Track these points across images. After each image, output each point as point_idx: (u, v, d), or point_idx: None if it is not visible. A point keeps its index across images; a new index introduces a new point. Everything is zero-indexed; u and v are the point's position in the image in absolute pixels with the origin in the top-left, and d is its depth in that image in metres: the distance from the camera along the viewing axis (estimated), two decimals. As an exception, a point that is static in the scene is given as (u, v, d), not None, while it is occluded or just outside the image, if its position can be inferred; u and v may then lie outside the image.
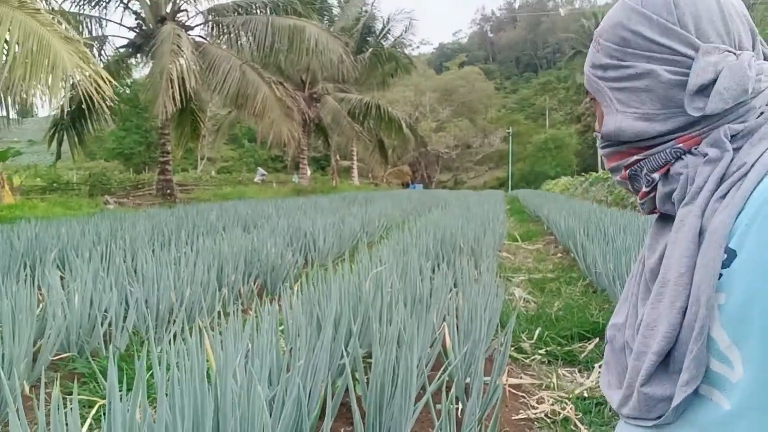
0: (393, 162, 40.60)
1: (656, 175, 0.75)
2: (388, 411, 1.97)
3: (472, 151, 56.10)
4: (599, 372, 3.25)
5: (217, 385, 1.59)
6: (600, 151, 0.85)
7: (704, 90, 0.69)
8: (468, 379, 2.69)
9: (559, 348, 3.62)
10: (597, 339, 3.73)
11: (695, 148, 0.72)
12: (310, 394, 1.97)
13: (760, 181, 0.66)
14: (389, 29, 28.17)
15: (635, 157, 0.77)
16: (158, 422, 1.45)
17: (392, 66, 27.38)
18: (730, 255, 0.63)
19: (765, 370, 0.61)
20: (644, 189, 0.77)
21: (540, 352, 3.57)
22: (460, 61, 73.71)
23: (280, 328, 2.80)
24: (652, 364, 0.69)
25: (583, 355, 3.52)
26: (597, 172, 32.19)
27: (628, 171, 0.79)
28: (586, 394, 2.95)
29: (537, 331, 3.83)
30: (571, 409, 2.74)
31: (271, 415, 1.63)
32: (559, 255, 7.95)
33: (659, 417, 0.71)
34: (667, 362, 0.70)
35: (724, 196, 0.68)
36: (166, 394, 1.52)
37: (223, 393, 1.51)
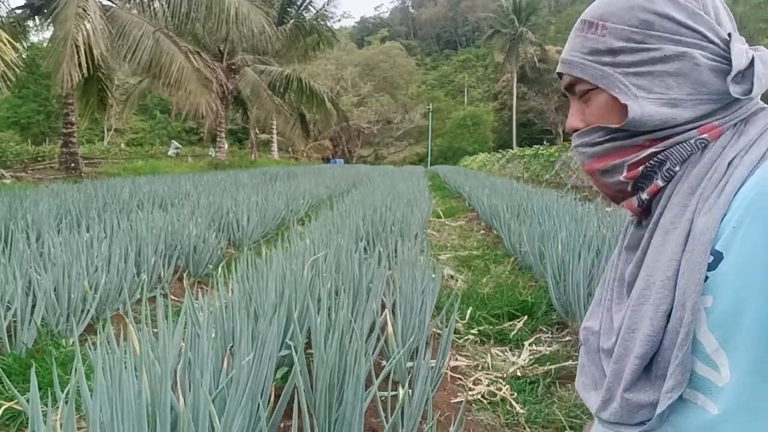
0: (314, 136, 40.03)
1: (678, 168, 0.71)
2: (339, 408, 1.90)
3: (392, 127, 56.38)
4: (530, 350, 3.34)
5: (153, 399, 1.45)
6: (586, 151, 0.77)
7: (741, 75, 0.69)
8: (411, 363, 2.66)
9: (491, 327, 3.68)
10: (525, 317, 3.82)
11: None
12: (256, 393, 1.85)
13: (745, 181, 0.64)
14: (311, 0, 27.42)
15: (651, 150, 0.71)
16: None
17: (314, 39, 26.74)
18: (717, 257, 0.62)
19: (754, 374, 0.60)
20: (659, 184, 0.71)
21: (473, 331, 3.62)
22: (381, 36, 73.46)
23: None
24: (635, 368, 0.67)
25: (513, 334, 3.59)
26: (513, 149, 33.28)
27: (642, 167, 0.72)
28: (519, 374, 3.01)
29: (469, 311, 3.87)
30: (506, 389, 2.79)
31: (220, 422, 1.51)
32: (482, 232, 8.12)
33: (642, 423, 0.69)
34: (649, 367, 0.69)
35: (709, 197, 0.66)
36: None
37: (162, 406, 1.37)
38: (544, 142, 24.10)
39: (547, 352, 3.24)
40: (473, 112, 54.21)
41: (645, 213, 0.76)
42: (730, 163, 0.66)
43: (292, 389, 1.88)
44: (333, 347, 1.98)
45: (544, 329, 3.66)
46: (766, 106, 0.72)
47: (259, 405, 1.73)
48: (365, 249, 4.88)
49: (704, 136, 0.70)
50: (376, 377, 2.24)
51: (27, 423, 2.22)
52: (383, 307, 3.15)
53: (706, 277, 0.62)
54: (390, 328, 2.53)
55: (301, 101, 26.23)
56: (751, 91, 0.68)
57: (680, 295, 0.64)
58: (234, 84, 24.14)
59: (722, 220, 0.63)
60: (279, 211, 7.81)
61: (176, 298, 4.39)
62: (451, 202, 12.90)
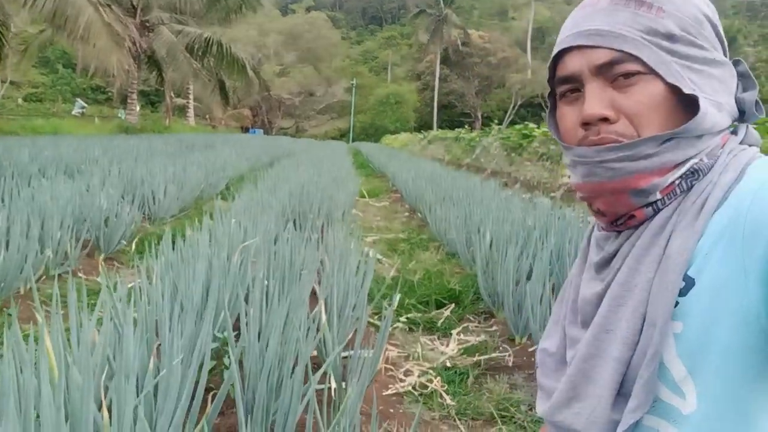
0: (233, 104, 38.59)
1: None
2: (274, 403, 1.80)
3: (315, 100, 55.44)
4: (458, 339, 3.37)
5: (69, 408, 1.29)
6: (627, 166, 0.64)
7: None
8: (345, 353, 2.60)
9: (420, 315, 3.68)
10: (453, 305, 3.86)
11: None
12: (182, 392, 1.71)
13: (720, 204, 0.62)
14: (235, -40, 26.13)
15: (694, 161, 0.65)
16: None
17: (236, 1, 25.59)
18: (689, 283, 0.60)
19: (721, 403, 0.59)
20: (677, 192, 0.65)
21: (402, 319, 3.61)
22: (306, 5, 71.61)
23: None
24: (613, 371, 0.64)
25: (441, 322, 3.61)
26: (433, 130, 33.75)
27: (680, 180, 0.65)
28: (449, 364, 3.03)
29: (398, 298, 3.85)
30: (437, 381, 2.79)
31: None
32: (407, 214, 8.16)
33: None
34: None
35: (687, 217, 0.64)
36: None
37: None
38: (465, 126, 24.61)
39: (476, 342, 3.28)
40: (396, 90, 54.30)
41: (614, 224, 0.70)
42: (709, 183, 0.64)
43: (225, 388, 1.76)
44: (269, 344, 1.88)
45: (471, 318, 3.71)
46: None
47: (189, 408, 1.60)
48: (293, 229, 4.74)
49: (724, 144, 0.67)
50: (312, 371, 2.16)
51: None
52: (314, 294, 3.06)
53: (677, 303, 0.60)
54: (325, 320, 2.44)
55: (221, 67, 25.08)
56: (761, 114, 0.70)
57: (651, 314, 0.61)
58: (148, 43, 22.67)
59: (697, 243, 0.61)
60: (198, 184, 7.45)
61: (86, 277, 4.07)
62: (375, 181, 12.88)
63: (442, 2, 51.35)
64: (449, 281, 4.22)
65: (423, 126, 45.75)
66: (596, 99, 0.64)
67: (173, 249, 2.74)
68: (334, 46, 61.11)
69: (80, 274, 4.08)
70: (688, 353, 0.60)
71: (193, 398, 1.55)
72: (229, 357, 1.94)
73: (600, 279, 0.71)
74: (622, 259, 0.67)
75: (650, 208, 0.66)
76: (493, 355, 3.08)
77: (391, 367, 2.92)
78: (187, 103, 33.24)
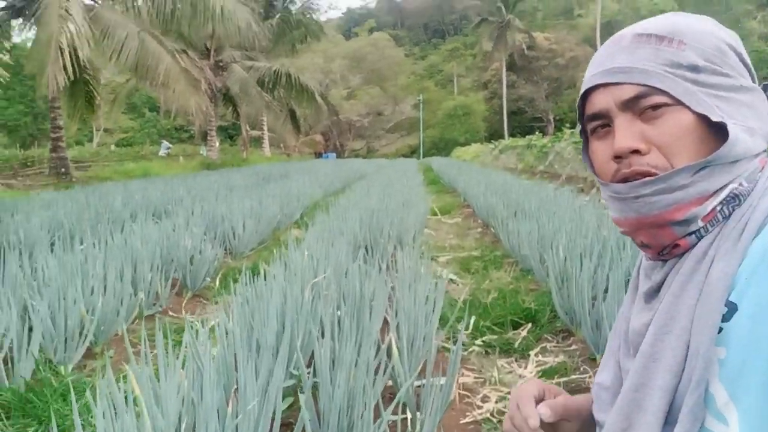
0: (305, 131, 39.83)
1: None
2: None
3: (383, 119, 56.24)
4: (536, 361, 3.30)
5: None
6: (662, 199, 0.65)
7: None
8: (418, 383, 2.62)
9: (495, 337, 3.64)
10: (530, 324, 3.78)
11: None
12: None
13: (762, 227, 0.62)
14: (296, -6, 27.21)
15: (733, 186, 0.65)
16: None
17: (301, 32, 26.62)
18: (731, 308, 0.60)
19: (762, 428, 0.57)
20: (719, 218, 0.66)
21: (477, 342, 3.58)
22: (369, 27, 73.08)
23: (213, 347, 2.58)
24: (660, 400, 0.64)
25: (518, 343, 3.55)
26: (504, 138, 33.28)
27: (721, 206, 0.65)
28: (527, 388, 2.97)
29: (472, 321, 3.83)
30: (515, 406, 2.75)
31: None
32: (479, 230, 8.09)
33: None
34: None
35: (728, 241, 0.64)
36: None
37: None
38: (536, 131, 24.11)
39: (554, 363, 3.20)
40: (463, 101, 54.12)
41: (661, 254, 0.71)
42: (750, 207, 0.64)
43: (299, 428, 1.83)
44: (340, 381, 1.93)
45: (549, 338, 3.62)
46: None
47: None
48: (364, 258, 4.83)
49: (763, 168, 0.67)
50: (384, 402, 2.20)
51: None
52: (387, 324, 3.10)
53: (721, 329, 0.60)
54: (395, 351, 2.48)
55: (290, 96, 26.10)
56: None
57: (695, 341, 0.62)
58: (222, 81, 23.95)
59: (738, 268, 0.61)
60: (274, 216, 7.74)
61: (175, 315, 4.33)
62: (446, 197, 12.85)
63: (504, 8, 50.82)
64: (524, 300, 4.15)
65: (493, 135, 45.26)
66: (626, 132, 0.66)
67: (250, 284, 2.87)
68: (398, 64, 61.86)
69: (171, 313, 4.34)
70: (730, 379, 0.60)
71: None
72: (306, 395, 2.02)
73: (649, 309, 0.72)
74: (668, 287, 0.68)
75: (693, 236, 0.66)
76: (573, 377, 3.00)
77: (468, 394, 2.91)
78: (262, 134, 34.66)
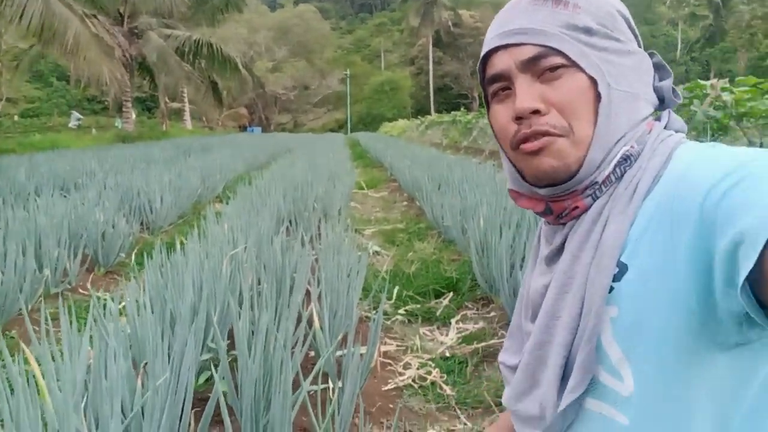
0: (228, 104, 38.55)
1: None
2: (267, 414, 1.82)
3: (310, 93, 55.37)
4: (457, 328, 3.38)
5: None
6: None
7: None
8: (340, 352, 2.61)
9: (418, 306, 3.69)
10: (451, 293, 3.86)
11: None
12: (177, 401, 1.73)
13: (650, 189, 0.64)
14: (217, -41, 25.96)
15: (625, 149, 0.67)
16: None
17: (222, 1, 25.46)
18: (622, 268, 0.62)
19: (656, 384, 0.60)
20: (612, 179, 0.67)
21: (400, 312, 3.62)
22: (294, -2, 71.20)
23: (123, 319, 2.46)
24: (558, 355, 0.66)
25: (439, 312, 3.62)
26: (431, 114, 33.59)
27: (616, 166, 0.67)
28: (448, 354, 3.04)
29: (396, 290, 3.87)
30: (436, 372, 2.81)
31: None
32: (405, 203, 8.16)
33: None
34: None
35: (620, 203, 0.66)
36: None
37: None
38: (462, 108, 24.49)
39: (474, 330, 3.29)
40: (391, 77, 54.12)
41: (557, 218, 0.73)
42: (640, 168, 0.66)
43: (216, 400, 1.78)
44: (257, 352, 1.89)
45: (470, 305, 3.72)
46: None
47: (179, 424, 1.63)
48: (287, 230, 4.75)
49: (650, 130, 0.70)
50: (305, 372, 2.18)
51: None
52: (309, 295, 3.07)
53: (613, 288, 0.62)
54: (317, 322, 2.46)
55: (212, 68, 25.02)
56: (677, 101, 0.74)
57: (588, 299, 0.64)
58: (138, 50, 22.61)
59: (630, 229, 0.63)
60: (194, 190, 7.46)
61: (85, 292, 4.10)
62: (373, 171, 12.86)
63: (430, -16, 50.87)
64: (446, 270, 4.23)
65: (420, 111, 45.60)
66: (526, 93, 0.67)
67: (166, 258, 2.75)
68: (325, 37, 60.86)
69: (80, 291, 4.11)
70: (623, 336, 0.62)
71: (181, 417, 1.57)
72: (220, 368, 1.96)
73: (549, 271, 0.73)
74: (567, 248, 0.70)
75: (590, 198, 0.68)
76: (492, 341, 3.09)
77: (390, 362, 2.94)
78: (183, 106, 33.24)
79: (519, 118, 0.67)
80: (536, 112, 0.66)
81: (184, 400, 1.56)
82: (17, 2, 13.01)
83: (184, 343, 1.77)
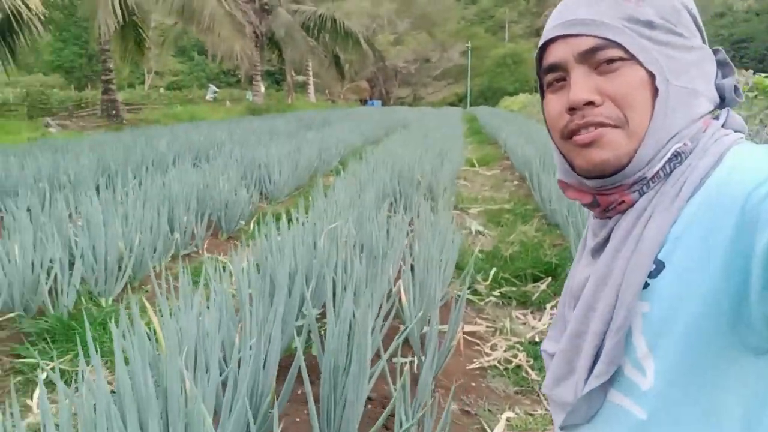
0: (350, 78, 39.50)
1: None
2: (344, 376, 1.98)
3: (430, 66, 55.05)
4: (551, 314, 3.36)
5: (165, 372, 1.54)
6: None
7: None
8: (425, 329, 2.73)
9: (513, 289, 3.70)
10: (549, 279, 3.82)
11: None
12: (266, 360, 1.95)
13: (697, 189, 0.64)
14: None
15: (677, 146, 0.67)
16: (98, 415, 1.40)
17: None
18: (659, 266, 0.63)
19: (677, 382, 0.61)
20: (660, 175, 0.67)
21: (495, 294, 3.65)
22: (419, -31, 70.52)
23: (233, 287, 2.74)
24: (590, 345, 0.69)
25: (535, 296, 3.61)
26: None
27: (666, 163, 0.67)
28: (537, 339, 3.05)
29: (492, 272, 3.89)
30: (523, 356, 2.84)
31: (224, 395, 1.60)
32: (516, 182, 8.02)
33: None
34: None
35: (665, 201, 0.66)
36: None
37: (170, 381, 1.46)
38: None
39: (567, 317, 3.25)
40: (514, 49, 52.30)
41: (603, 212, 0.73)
42: (689, 167, 0.66)
43: (298, 361, 1.97)
44: (341, 322, 2.05)
45: (567, 292, 3.66)
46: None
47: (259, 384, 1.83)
48: (391, 206, 4.91)
49: (705, 128, 0.68)
50: (390, 344, 2.32)
51: (70, 381, 2.40)
52: (400, 279, 3.20)
53: (648, 284, 0.63)
54: (404, 296, 2.58)
55: (335, 42, 25.76)
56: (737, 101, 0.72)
57: (621, 294, 0.65)
58: (267, 25, 23.82)
59: (671, 227, 0.63)
60: (311, 163, 7.86)
61: (210, 255, 4.54)
62: (487, 148, 12.70)
63: (561, -50, 48.05)
64: (547, 254, 4.17)
65: (544, 85, 43.65)
66: (581, 85, 0.67)
67: (275, 230, 3.01)
68: (448, 8, 59.88)
69: (205, 253, 4.57)
70: (651, 332, 0.63)
71: (268, 375, 1.77)
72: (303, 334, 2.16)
73: (593, 263, 0.74)
74: (611, 242, 0.70)
75: (637, 193, 0.68)
76: (583, 330, 3.05)
77: (478, 342, 3.01)
78: (307, 80, 34.58)
79: (572, 109, 0.67)
80: (590, 103, 0.66)
81: (264, 360, 1.75)
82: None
83: (276, 309, 1.96)
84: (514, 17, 64.78)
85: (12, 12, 8.15)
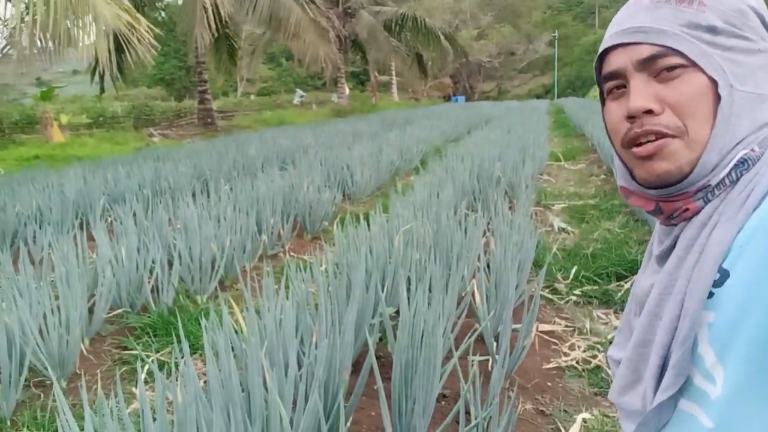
0: (433, 75, 39.43)
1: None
2: (416, 374, 2.05)
3: (515, 59, 53.87)
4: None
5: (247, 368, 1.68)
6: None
7: None
8: (500, 328, 2.74)
9: (595, 288, 3.61)
10: (634, 277, 3.69)
11: None
12: (340, 356, 2.06)
13: (764, 198, 0.63)
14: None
15: (744, 152, 0.65)
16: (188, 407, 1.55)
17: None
18: (723, 275, 0.62)
19: (745, 392, 0.61)
20: (726, 182, 0.66)
21: (575, 293, 3.58)
22: (502, -40, 69.13)
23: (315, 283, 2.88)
24: (656, 355, 0.69)
25: (619, 296, 3.50)
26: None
27: (732, 170, 0.66)
28: (619, 339, 2.96)
29: (573, 270, 3.81)
30: (602, 356, 2.77)
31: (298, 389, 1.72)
32: (602, 177, 7.74)
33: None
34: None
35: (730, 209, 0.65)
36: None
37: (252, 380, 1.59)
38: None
39: (652, 317, 3.14)
40: (604, 36, 49.99)
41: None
42: (756, 175, 0.65)
43: (370, 359, 2.05)
44: (417, 318, 2.12)
45: (653, 291, 3.52)
46: None
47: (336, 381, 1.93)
48: (470, 205, 4.92)
49: None
50: (464, 341, 2.36)
51: (169, 372, 2.64)
52: (474, 278, 3.22)
53: (713, 293, 0.62)
54: (477, 297, 2.61)
55: (416, 40, 25.86)
56: None
57: (686, 304, 0.65)
58: (350, 28, 24.32)
59: (736, 236, 0.62)
60: (392, 163, 7.98)
61: (295, 255, 4.76)
62: (573, 141, 12.30)
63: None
64: (631, 251, 4.02)
65: (637, 72, 41.47)
66: (641, 92, 0.66)
67: (355, 231, 3.13)
68: (534, -2, 58.25)
69: (291, 253, 4.79)
70: (718, 342, 0.62)
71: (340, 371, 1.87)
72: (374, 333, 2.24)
73: (659, 271, 0.74)
74: (676, 250, 0.70)
75: (701, 200, 0.67)
76: (669, 331, 2.93)
77: (556, 341, 2.97)
78: (390, 79, 34.94)
79: (631, 117, 0.67)
80: (649, 112, 0.66)
81: (332, 357, 1.85)
82: (251, -4, 14.93)
83: (352, 307, 2.07)
84: (605, 1, 61.93)
85: (123, 41, 8.89)
